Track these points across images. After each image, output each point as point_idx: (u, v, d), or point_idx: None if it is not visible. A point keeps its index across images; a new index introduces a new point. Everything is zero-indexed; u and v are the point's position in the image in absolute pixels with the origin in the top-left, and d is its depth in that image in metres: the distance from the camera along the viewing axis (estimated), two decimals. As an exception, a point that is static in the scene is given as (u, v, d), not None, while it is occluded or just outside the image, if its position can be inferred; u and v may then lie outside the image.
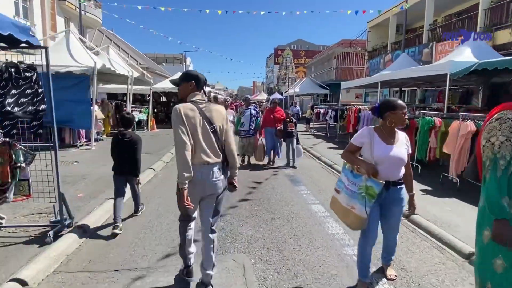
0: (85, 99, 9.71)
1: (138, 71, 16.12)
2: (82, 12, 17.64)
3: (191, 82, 2.69)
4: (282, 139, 8.20)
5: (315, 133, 15.82)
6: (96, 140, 11.52)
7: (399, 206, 2.75)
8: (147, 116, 15.78)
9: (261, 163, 8.24)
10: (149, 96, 17.42)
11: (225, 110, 2.83)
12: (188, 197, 2.48)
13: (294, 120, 8.29)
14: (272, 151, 8.25)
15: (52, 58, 9.87)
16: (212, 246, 2.75)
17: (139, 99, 18.15)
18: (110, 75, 11.96)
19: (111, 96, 17.54)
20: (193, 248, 2.90)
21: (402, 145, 2.68)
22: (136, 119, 14.08)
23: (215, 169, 2.62)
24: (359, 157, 2.75)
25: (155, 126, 16.16)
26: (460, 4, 15.52)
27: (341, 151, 2.92)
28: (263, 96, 40.34)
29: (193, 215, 2.82)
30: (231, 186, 2.84)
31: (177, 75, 16.43)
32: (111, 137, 4.38)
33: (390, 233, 2.89)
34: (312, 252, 3.50)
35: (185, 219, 2.80)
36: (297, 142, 8.11)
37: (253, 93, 68.04)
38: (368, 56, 22.16)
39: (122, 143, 4.13)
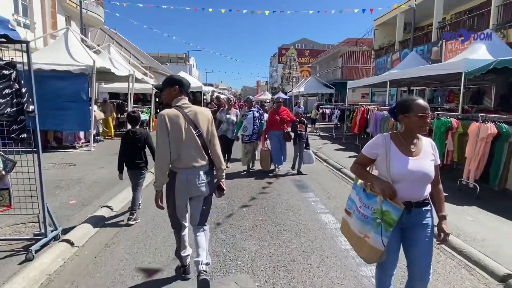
0: (83, 99, 9.38)
1: (141, 71, 15.77)
2: (84, 11, 17.36)
3: (174, 87, 2.70)
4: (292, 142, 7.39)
5: (321, 134, 15.41)
6: (96, 141, 11.21)
7: (425, 231, 2.10)
8: (149, 116, 15.45)
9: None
10: (151, 96, 17.16)
11: (210, 112, 2.85)
12: (163, 200, 2.74)
13: (304, 121, 7.52)
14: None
15: (50, 57, 9.63)
16: (202, 233, 2.81)
17: (142, 99, 17.82)
18: (111, 74, 11.65)
19: (113, 95, 17.25)
20: (188, 251, 2.92)
21: (427, 156, 2.09)
22: (143, 118, 13.76)
23: (201, 172, 2.69)
24: (373, 173, 2.22)
25: (157, 126, 15.88)
26: (471, 1, 15.02)
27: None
28: (267, 95, 39.84)
29: (185, 224, 2.85)
30: (219, 191, 2.85)
31: (180, 74, 16.18)
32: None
33: (419, 271, 2.11)
34: (325, 273, 3.10)
35: (177, 227, 2.86)
36: (307, 146, 7.32)
37: (257, 93, 67.63)
38: (374, 54, 21.69)
39: (134, 140, 4.34)
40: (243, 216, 4.60)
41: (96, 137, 11.27)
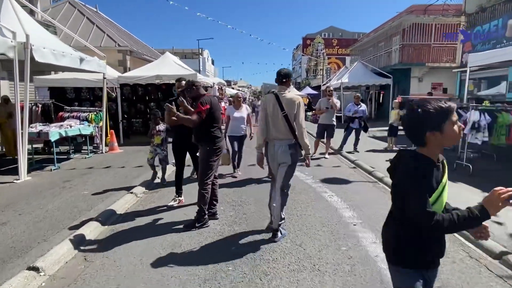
0: None
1: (89, 52, 8.88)
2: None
3: (276, 79, 3.71)
4: None
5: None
6: None
7: None
8: (102, 125, 8.70)
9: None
10: (117, 91, 10.59)
11: (299, 99, 3.61)
12: (264, 159, 3.76)
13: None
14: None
15: None
16: (279, 203, 3.55)
17: (96, 96, 11.00)
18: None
19: (56, 92, 10.60)
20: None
21: None
22: (71, 133, 6.84)
23: (285, 144, 3.54)
24: None
25: (115, 143, 9.01)
26: None
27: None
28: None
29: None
30: (305, 163, 3.72)
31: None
32: None
33: None
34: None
35: (272, 180, 3.83)
36: None
37: (279, 89, 59.89)
38: (467, 22, 14.06)
39: None
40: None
41: None
